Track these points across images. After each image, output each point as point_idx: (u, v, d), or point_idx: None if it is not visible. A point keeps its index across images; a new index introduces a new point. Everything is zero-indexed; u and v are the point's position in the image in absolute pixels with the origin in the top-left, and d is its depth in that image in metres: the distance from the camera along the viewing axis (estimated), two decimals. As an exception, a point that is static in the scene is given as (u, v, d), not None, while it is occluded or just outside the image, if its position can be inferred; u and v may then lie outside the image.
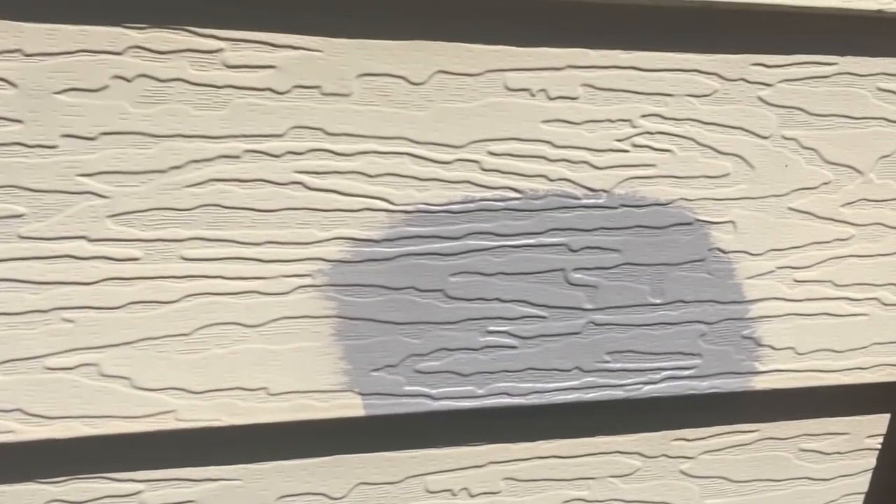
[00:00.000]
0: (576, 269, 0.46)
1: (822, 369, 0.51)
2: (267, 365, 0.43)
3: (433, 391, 0.45)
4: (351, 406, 0.44)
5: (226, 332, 0.42)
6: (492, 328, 0.45)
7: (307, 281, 0.43)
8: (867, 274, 0.51)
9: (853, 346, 0.51)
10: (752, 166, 0.47)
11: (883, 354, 0.52)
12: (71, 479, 0.42)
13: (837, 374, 0.51)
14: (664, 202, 0.47)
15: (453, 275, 0.44)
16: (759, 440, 0.54)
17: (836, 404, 0.54)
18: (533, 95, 0.43)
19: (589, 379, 0.47)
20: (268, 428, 0.44)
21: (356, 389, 0.44)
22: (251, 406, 0.43)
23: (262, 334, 0.42)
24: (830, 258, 0.50)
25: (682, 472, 0.53)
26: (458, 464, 0.47)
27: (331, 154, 0.42)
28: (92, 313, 0.40)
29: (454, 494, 0.47)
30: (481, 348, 0.45)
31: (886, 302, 0.51)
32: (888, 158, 0.49)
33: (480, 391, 0.46)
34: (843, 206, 0.49)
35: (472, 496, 0.48)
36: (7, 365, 0.40)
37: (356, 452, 0.46)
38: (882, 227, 0.50)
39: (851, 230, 0.50)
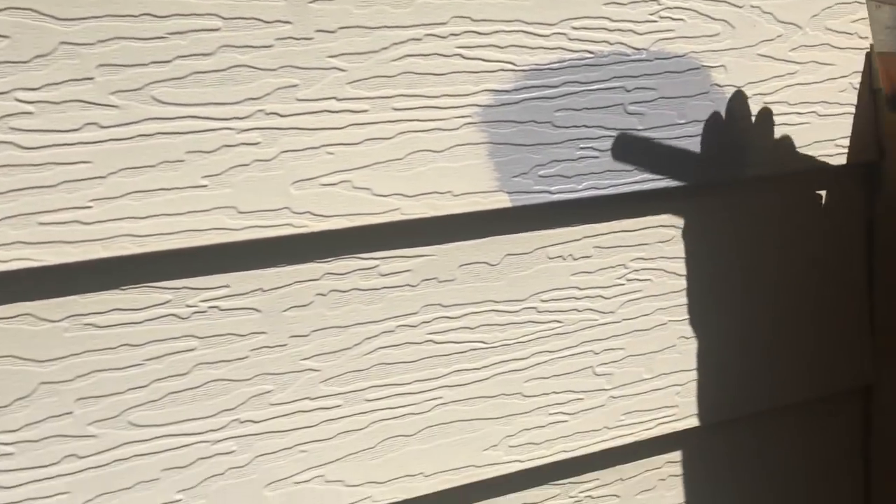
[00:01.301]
0: (630, 104, 0.71)
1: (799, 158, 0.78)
2: (451, 177, 0.66)
3: (551, 188, 0.69)
4: (502, 201, 0.68)
5: (423, 156, 0.65)
6: (582, 145, 0.70)
7: (469, 119, 0.66)
8: (808, 96, 0.77)
9: (803, 144, 0.78)
10: (733, 27, 0.73)
11: (820, 149, 0.79)
12: (336, 259, 0.65)
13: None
14: (681, 55, 0.72)
15: (557, 111, 0.68)
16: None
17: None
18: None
19: (642, 174, 0.72)
20: (453, 219, 0.67)
21: (504, 190, 0.68)
22: (444, 203, 0.66)
23: (445, 156, 0.66)
24: (785, 86, 0.76)
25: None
26: (565, 238, 0.72)
27: (476, 34, 0.65)
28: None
29: (563, 259, 0.72)
30: (577, 159, 0.70)
31: (821, 113, 0.78)
32: (817, 17, 0.75)
33: (579, 187, 0.70)
34: (790, 50, 0.76)
35: (574, 259, 0.72)
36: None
37: (505, 234, 0.70)
38: (816, 64, 0.77)
39: (796, 67, 0.76)
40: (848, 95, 0.78)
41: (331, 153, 0.63)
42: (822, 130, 0.78)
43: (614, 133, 0.71)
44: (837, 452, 0.87)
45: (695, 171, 0.73)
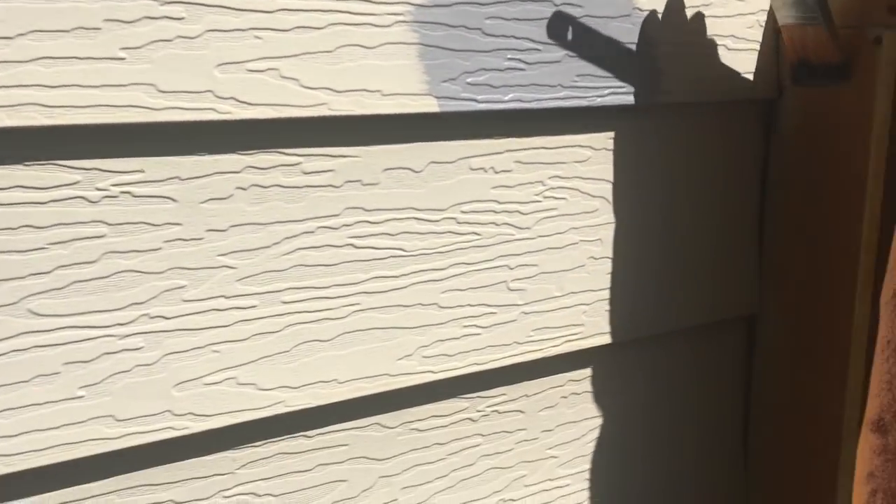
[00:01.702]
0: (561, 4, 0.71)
1: (709, 88, 0.80)
2: (380, 76, 0.64)
3: (478, 97, 0.69)
4: (430, 105, 0.67)
5: (354, 51, 0.63)
6: (510, 56, 0.69)
7: (401, 17, 0.64)
8: (720, 28, 0.80)
9: (712, 75, 0.81)
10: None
11: (727, 82, 0.82)
12: (259, 152, 0.62)
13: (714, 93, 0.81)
14: (607, -25, 0.72)
15: (487, 18, 0.68)
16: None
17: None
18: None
19: (566, 92, 0.73)
20: (380, 119, 0.66)
21: (433, 94, 0.67)
22: (372, 102, 0.64)
23: (376, 53, 0.64)
24: (711, 17, 0.79)
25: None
26: (488, 150, 0.72)
27: None
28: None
29: (485, 171, 0.72)
30: (504, 69, 0.69)
31: (730, 47, 0.81)
32: (732, -49, 0.78)
33: (504, 98, 0.70)
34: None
35: (496, 173, 0.72)
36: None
37: (430, 141, 0.69)
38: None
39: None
40: (754, 32, 0.82)
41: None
42: (730, 62, 0.81)
43: (541, 47, 0.71)
44: (722, 377, 0.91)
45: (615, 69, 0.75)
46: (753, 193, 0.88)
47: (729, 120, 0.85)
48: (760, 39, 0.82)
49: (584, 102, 0.74)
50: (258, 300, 0.63)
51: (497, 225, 0.73)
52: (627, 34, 0.75)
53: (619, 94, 0.75)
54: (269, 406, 0.65)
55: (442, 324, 0.72)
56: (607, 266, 0.80)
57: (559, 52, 0.72)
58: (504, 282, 0.74)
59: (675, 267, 0.84)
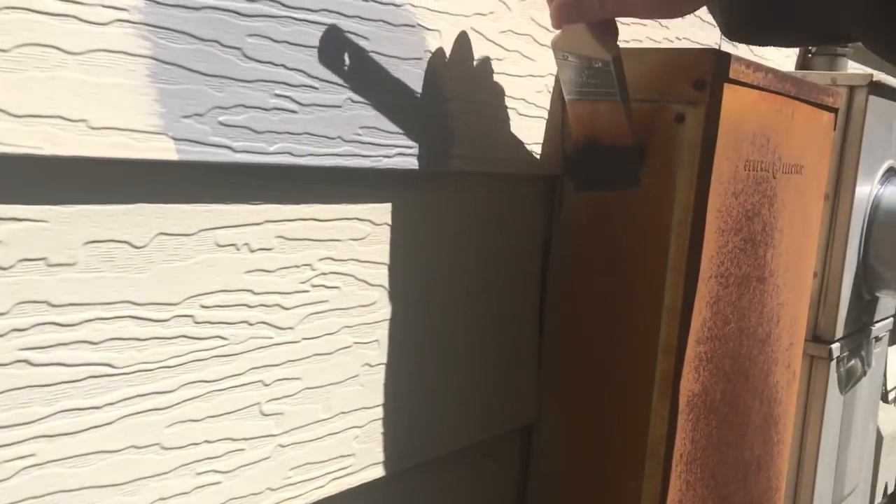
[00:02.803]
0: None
1: (500, 158, 0.66)
2: (87, 98, 0.41)
3: (234, 144, 0.48)
4: (165, 150, 0.45)
5: (44, 54, 0.40)
6: (279, 91, 0.50)
7: (126, 15, 0.42)
8: (512, 88, 0.67)
9: (503, 142, 0.68)
10: (455, -14, 0.60)
11: (516, 151, 0.69)
12: None
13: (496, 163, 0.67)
14: (399, 3, 0.56)
15: (250, 35, 0.48)
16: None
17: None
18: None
19: (347, 147, 0.54)
20: (85, 164, 0.42)
21: (169, 133, 0.45)
22: (72, 137, 0.41)
23: (80, 62, 0.41)
24: (493, 72, 0.65)
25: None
26: (243, 220, 0.51)
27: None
28: None
29: (237, 249, 0.51)
30: (271, 109, 0.50)
31: (521, 111, 0.69)
32: (524, 1, 0.66)
33: (270, 148, 0.50)
34: (499, 32, 0.65)
35: (251, 251, 0.51)
36: None
37: (158, 202, 0.46)
38: (519, 55, 0.67)
39: (503, 53, 0.66)
40: (544, 98, 0.71)
41: None
42: (520, 131, 0.69)
43: (318, 83, 0.52)
44: (501, 496, 0.77)
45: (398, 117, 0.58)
46: (533, 283, 0.75)
47: (516, 196, 0.72)
48: (549, 107, 0.71)
49: (367, 163, 0.56)
50: None
51: (250, 325, 0.52)
52: (419, 81, 0.59)
53: (407, 155, 0.59)
54: None
55: (165, 474, 0.48)
56: (384, 375, 0.61)
57: (340, 95, 0.54)
58: (257, 404, 0.53)
59: (453, 374, 0.68)
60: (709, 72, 0.65)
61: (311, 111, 0.52)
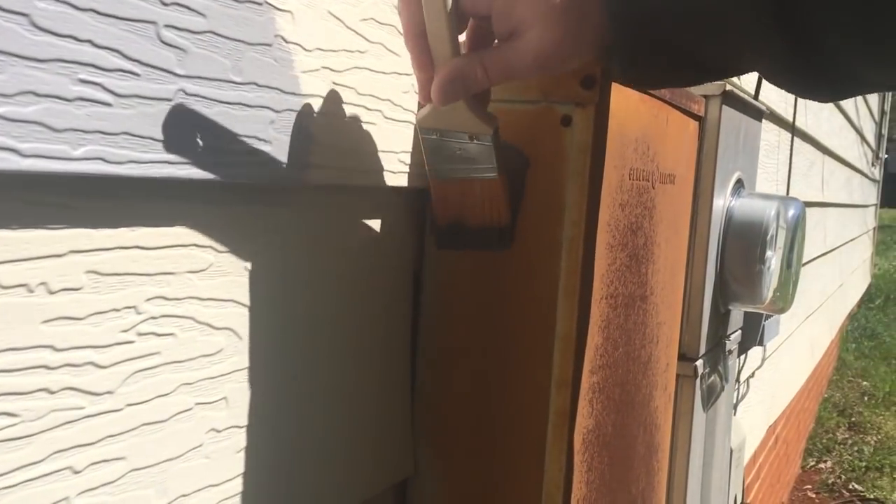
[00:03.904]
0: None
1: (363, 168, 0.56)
2: None
3: (21, 146, 0.35)
4: (-89, 151, 0.31)
5: None
6: (83, 76, 0.37)
7: None
8: (376, 87, 0.57)
9: (367, 150, 0.57)
10: (310, -42, 0.49)
11: (383, 162, 0.59)
12: None
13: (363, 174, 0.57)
14: (242, -26, 0.45)
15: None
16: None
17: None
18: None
19: (181, 154, 0.42)
20: None
21: (-81, 128, 0.31)
22: None
23: None
24: (354, 67, 0.55)
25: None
26: (37, 252, 0.37)
27: None
28: None
29: (31, 291, 0.37)
30: (74, 100, 0.37)
31: (387, 115, 0.59)
32: None
33: (73, 152, 0.37)
34: (361, 20, 0.55)
35: (51, 293, 0.38)
36: None
37: None
38: (383, 49, 0.57)
39: (366, 45, 0.56)
40: (410, 101, 0.61)
41: None
42: (387, 138, 0.59)
43: (141, 68, 0.40)
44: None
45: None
46: (404, 314, 0.65)
47: (383, 212, 0.62)
48: (416, 111, 0.62)
49: (208, 175, 0.44)
50: None
51: (52, 393, 0.38)
52: (269, 73, 0.48)
53: (257, 164, 0.47)
54: None
55: None
56: (235, 441, 0.49)
57: (171, 84, 0.41)
58: (64, 499, 0.39)
59: (317, 431, 0.56)
60: (599, 66, 0.58)
61: (130, 104, 0.39)
